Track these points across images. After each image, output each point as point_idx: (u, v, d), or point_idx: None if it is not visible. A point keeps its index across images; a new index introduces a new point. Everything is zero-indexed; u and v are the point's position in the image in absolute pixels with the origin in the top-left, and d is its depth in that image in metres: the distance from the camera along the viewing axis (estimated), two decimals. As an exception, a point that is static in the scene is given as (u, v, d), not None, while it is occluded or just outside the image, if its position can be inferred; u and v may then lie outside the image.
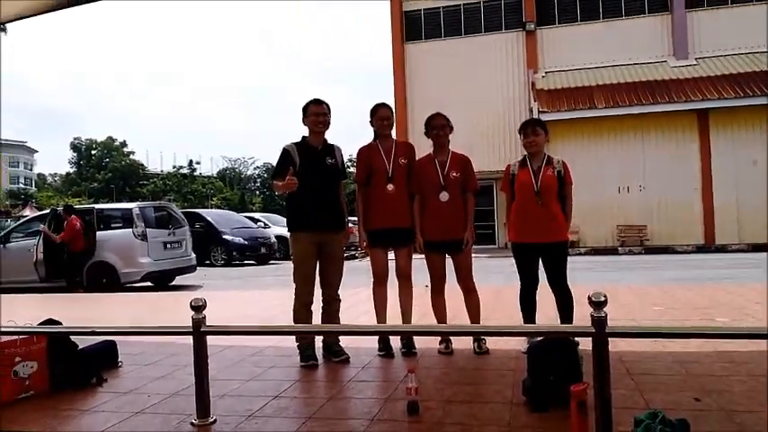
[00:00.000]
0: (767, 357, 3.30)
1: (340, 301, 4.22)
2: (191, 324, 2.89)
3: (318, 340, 4.19)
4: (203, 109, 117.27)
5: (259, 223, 19.96)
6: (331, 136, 4.24)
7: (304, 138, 4.17)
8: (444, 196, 4.13)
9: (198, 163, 54.24)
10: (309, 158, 4.06)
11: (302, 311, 4.04)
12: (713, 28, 18.85)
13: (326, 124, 4.14)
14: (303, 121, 4.15)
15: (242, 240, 16.75)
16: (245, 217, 20.11)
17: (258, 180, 73.33)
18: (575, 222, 17.52)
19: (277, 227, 20.25)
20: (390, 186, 4.15)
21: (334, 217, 4.12)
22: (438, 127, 4.23)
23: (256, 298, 8.28)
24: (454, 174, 4.18)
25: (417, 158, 4.34)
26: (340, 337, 4.18)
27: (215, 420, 2.93)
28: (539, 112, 17.64)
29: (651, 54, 19.29)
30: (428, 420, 2.82)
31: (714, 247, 16.53)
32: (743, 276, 9.78)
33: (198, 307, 2.91)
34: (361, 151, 4.34)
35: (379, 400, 3.17)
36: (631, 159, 17.68)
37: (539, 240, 4.02)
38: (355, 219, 4.50)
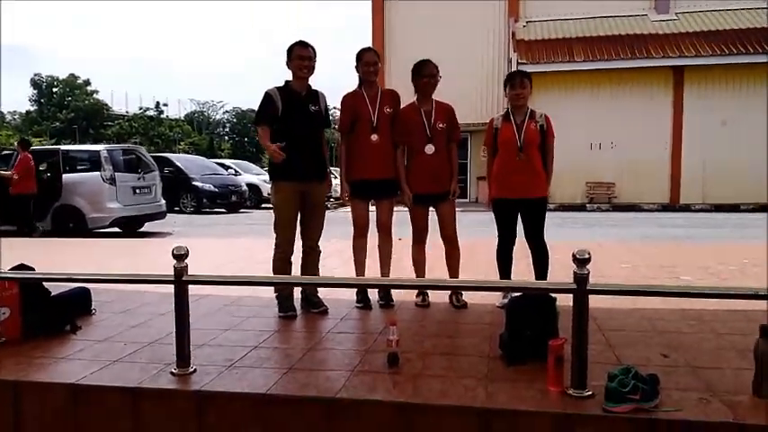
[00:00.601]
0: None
1: (320, 251, 4.21)
2: (172, 273, 2.86)
3: (297, 291, 4.20)
4: (171, 49, 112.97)
5: (230, 170, 19.67)
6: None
7: (287, 82, 4.04)
8: (430, 149, 4.08)
9: (165, 105, 52.06)
10: (292, 104, 3.95)
11: (282, 262, 4.02)
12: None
13: (311, 69, 4.00)
14: (287, 65, 4.01)
15: (212, 187, 16.50)
16: (216, 163, 19.74)
17: (228, 125, 71.60)
18: (546, 177, 17.80)
19: (248, 174, 20.01)
20: (375, 136, 4.06)
21: (317, 166, 4.04)
22: (429, 75, 4.11)
23: (232, 246, 8.22)
24: (440, 125, 4.12)
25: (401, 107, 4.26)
26: (318, 289, 4.20)
27: (195, 370, 2.93)
28: (518, 63, 17.48)
29: (633, 7, 19.15)
30: (408, 372, 2.88)
31: (678, 206, 16.97)
32: (704, 236, 10.12)
33: (180, 255, 2.86)
34: (346, 98, 4.19)
35: (359, 351, 3.21)
36: (605, 115, 17.75)
37: (521, 196, 4.05)
38: (336, 168, 4.43)
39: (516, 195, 4.05)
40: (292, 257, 4.08)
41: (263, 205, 17.76)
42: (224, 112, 72.27)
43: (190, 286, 2.93)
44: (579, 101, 17.87)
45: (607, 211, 16.47)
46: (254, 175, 19.83)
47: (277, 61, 4.13)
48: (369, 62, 4.10)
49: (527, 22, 19.63)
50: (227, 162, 21.83)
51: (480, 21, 20.01)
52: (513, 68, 17.66)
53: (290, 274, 4.08)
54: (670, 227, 11.86)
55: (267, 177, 4.29)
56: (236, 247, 8.04)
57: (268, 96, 3.97)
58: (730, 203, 16.18)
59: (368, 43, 20.76)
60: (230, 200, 16.81)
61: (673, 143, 17.52)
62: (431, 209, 4.25)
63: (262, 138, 3.99)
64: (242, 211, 17.23)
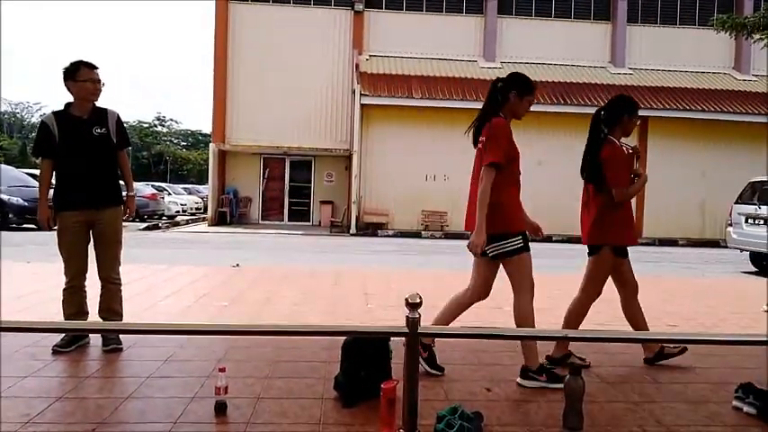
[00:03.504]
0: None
1: (118, 284, 3.90)
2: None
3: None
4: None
5: (45, 182, 17.52)
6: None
7: (68, 105, 3.74)
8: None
9: (-33, 103, 45.51)
10: (71, 131, 3.67)
11: (68, 294, 3.79)
12: (518, 36, 21.01)
13: (100, 93, 3.74)
14: (67, 86, 3.68)
15: (21, 201, 14.61)
16: (27, 174, 17.49)
17: (46, 130, 64.53)
18: (385, 206, 18.50)
19: (67, 187, 18.00)
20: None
21: (104, 193, 3.77)
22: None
23: (42, 271, 7.25)
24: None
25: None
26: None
27: (-21, 430, 2.49)
28: (360, 94, 18.02)
29: (463, 53, 20.84)
30: (236, 420, 2.71)
31: (501, 234, 18.56)
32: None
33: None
34: (504, 126, 3.42)
35: (183, 399, 2.95)
36: (440, 150, 18.85)
37: None
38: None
39: None
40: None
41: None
42: (41, 116, 65.15)
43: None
44: (417, 135, 18.81)
45: (440, 239, 17.45)
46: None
47: (110, 61, 3.78)
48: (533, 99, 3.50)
49: (370, 55, 20.37)
50: (42, 173, 19.42)
51: (328, 48, 20.37)
52: (357, 99, 18.27)
53: (81, 306, 3.82)
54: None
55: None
56: (46, 271, 7.11)
57: (44, 126, 3.70)
58: (544, 234, 18.10)
59: (210, 44, 20.02)
60: (43, 216, 14.95)
61: (496, 178, 19.16)
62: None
63: (42, 177, 3.79)
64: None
